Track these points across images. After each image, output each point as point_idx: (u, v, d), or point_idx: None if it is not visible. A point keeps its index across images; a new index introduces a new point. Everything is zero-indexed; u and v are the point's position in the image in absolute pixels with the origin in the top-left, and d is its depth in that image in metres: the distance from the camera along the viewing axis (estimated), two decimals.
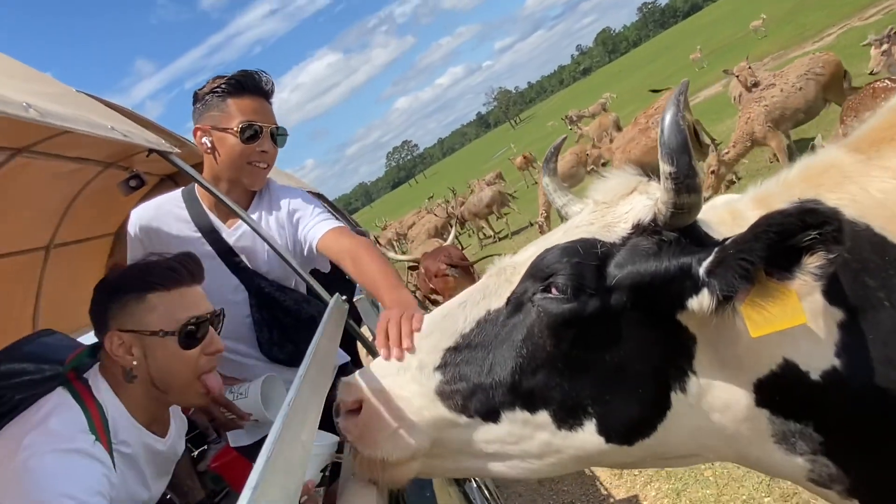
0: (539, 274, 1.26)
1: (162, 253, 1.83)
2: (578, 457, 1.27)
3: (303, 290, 2.52)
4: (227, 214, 2.41)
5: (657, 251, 1.17)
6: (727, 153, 10.84)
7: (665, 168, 1.09)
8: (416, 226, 23.76)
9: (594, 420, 1.21)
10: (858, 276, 1.12)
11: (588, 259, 1.20)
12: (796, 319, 1.01)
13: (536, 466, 1.31)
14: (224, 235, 2.40)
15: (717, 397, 1.17)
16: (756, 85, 12.03)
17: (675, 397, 1.18)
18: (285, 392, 2.09)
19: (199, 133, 2.32)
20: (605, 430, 1.21)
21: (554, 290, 1.21)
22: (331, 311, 1.74)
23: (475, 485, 2.79)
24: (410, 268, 9.76)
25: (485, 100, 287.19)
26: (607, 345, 1.19)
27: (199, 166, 2.62)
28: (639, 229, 1.21)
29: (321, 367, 1.25)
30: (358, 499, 1.38)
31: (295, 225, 2.43)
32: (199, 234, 2.38)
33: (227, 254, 2.37)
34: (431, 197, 31.50)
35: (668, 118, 1.08)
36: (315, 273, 2.49)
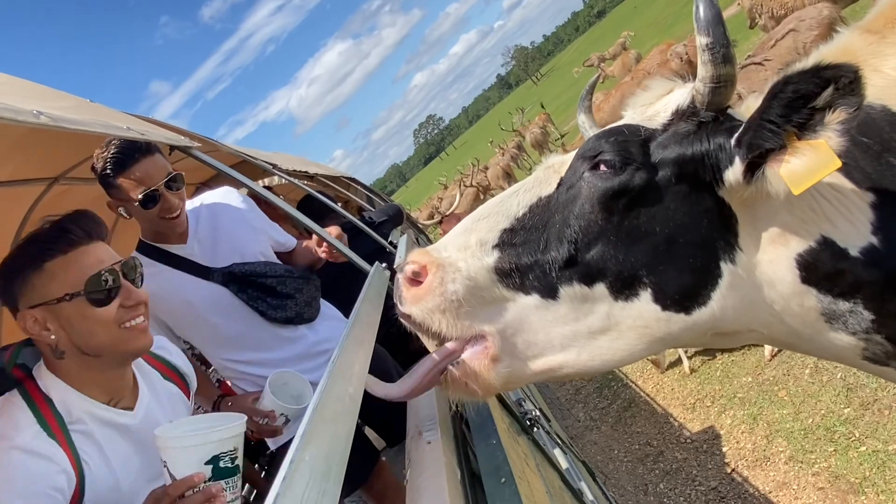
0: (587, 154, 1.31)
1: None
2: (639, 328, 1.29)
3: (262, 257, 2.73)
4: (174, 237, 2.56)
5: (696, 131, 1.22)
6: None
7: (702, 41, 1.12)
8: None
9: (649, 289, 1.25)
10: (882, 157, 1.16)
11: (633, 137, 1.27)
12: (831, 165, 1.04)
13: (604, 344, 1.32)
14: (182, 253, 2.56)
15: (764, 272, 1.21)
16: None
17: (725, 267, 1.22)
18: (301, 379, 2.25)
19: (113, 207, 2.45)
20: (660, 299, 1.25)
21: (602, 167, 1.27)
22: (371, 278, 1.75)
23: (545, 435, 2.79)
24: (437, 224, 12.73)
25: (502, 61, 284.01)
26: (657, 217, 1.24)
27: (235, 167, 2.68)
28: (678, 114, 1.26)
29: (364, 327, 1.26)
30: (430, 481, 1.39)
31: (258, 227, 2.78)
32: (174, 268, 2.53)
33: (190, 267, 2.54)
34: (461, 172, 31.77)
35: None
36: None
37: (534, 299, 1.32)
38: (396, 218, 4.72)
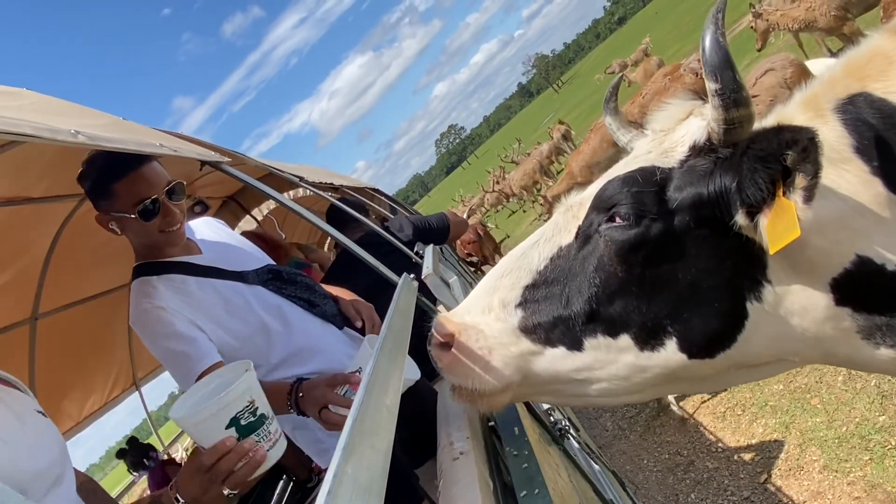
0: (602, 205, 1.30)
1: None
2: (664, 374, 1.30)
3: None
4: (185, 248, 2.37)
5: (713, 169, 1.18)
6: (770, 12, 11.02)
7: (711, 86, 1.10)
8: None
9: (674, 338, 1.24)
10: None
11: (647, 186, 1.23)
12: (791, 233, 1.03)
13: (626, 387, 1.35)
14: (203, 262, 2.36)
15: (795, 302, 1.18)
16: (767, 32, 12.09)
17: (752, 307, 1.20)
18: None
19: (104, 222, 2.23)
20: (686, 347, 1.25)
21: (617, 219, 1.25)
22: (400, 290, 1.76)
23: (576, 444, 2.77)
24: None
25: (523, 69, 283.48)
26: (678, 264, 1.22)
27: (262, 180, 2.70)
28: (695, 150, 1.23)
29: (396, 339, 1.28)
30: (463, 493, 1.38)
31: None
32: (201, 277, 2.32)
33: (220, 274, 2.36)
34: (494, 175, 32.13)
35: (708, 37, 1.09)
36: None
37: (559, 351, 1.36)
38: (440, 233, 4.12)
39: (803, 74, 7.57)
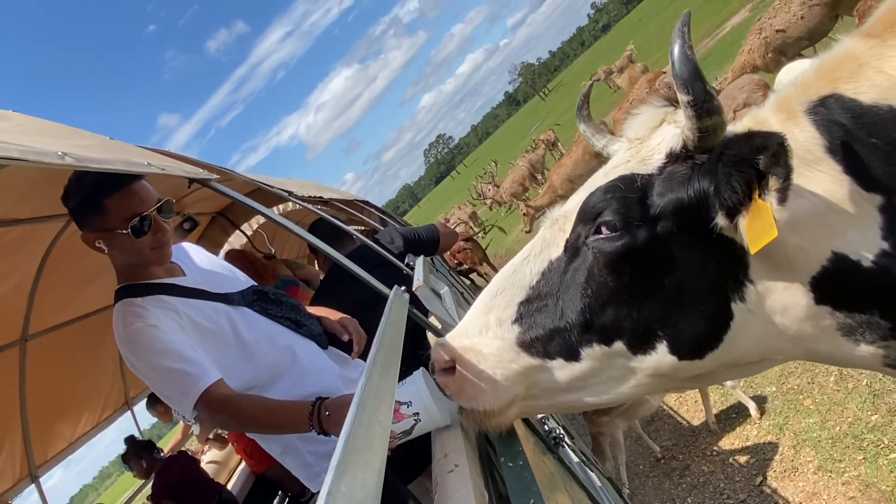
0: (587, 217, 1.33)
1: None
2: (657, 375, 1.35)
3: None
4: (168, 270, 2.34)
5: (691, 174, 1.21)
6: (726, 79, 11.97)
7: (683, 98, 1.14)
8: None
9: (665, 341, 1.29)
10: (890, 158, 1.13)
11: (630, 193, 1.26)
12: (769, 234, 1.07)
13: (622, 389, 1.41)
14: (189, 284, 2.34)
15: (776, 301, 1.21)
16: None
17: (736, 307, 1.24)
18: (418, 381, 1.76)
19: (90, 240, 2.17)
20: (676, 350, 1.29)
21: (604, 230, 1.28)
22: (391, 302, 1.76)
23: (571, 452, 2.77)
24: None
25: (509, 78, 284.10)
26: (664, 270, 1.25)
27: (250, 195, 2.69)
28: (672, 157, 1.26)
29: (389, 353, 1.28)
30: (456, 494, 1.38)
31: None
32: (188, 298, 2.29)
33: (206, 296, 2.33)
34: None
35: (676, 51, 1.13)
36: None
37: (558, 362, 1.40)
38: (430, 245, 4.05)
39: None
